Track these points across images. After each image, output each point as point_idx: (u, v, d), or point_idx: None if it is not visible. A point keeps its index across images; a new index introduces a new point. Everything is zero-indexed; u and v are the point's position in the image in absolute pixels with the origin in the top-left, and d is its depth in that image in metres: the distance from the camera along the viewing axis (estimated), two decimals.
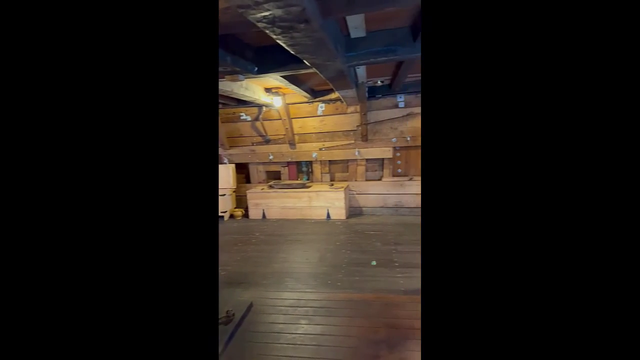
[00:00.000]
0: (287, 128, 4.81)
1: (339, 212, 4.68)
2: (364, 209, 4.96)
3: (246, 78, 2.39)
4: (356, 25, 1.81)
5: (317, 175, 5.16)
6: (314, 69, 1.93)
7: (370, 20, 1.79)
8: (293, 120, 4.82)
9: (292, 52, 1.42)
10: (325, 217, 4.72)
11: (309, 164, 5.17)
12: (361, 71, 3.09)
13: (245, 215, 5.14)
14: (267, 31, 1.10)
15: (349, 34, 1.99)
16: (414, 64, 2.74)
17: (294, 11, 0.94)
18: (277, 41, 1.24)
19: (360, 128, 4.63)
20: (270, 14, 0.95)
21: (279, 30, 1.10)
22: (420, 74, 3.78)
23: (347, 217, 4.74)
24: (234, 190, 5.18)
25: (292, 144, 5.00)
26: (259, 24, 1.02)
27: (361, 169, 4.91)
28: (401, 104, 4.40)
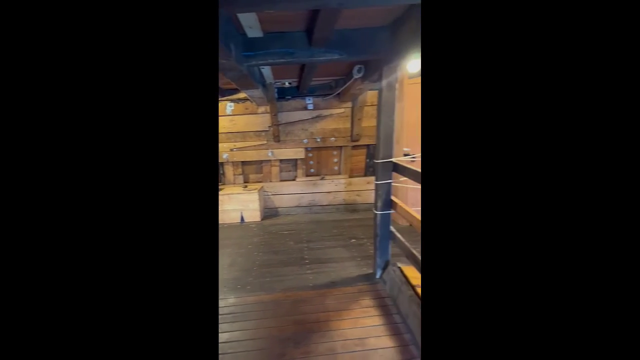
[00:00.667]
0: None
1: (253, 214, 4.59)
2: (279, 209, 4.97)
3: None
4: (250, 24, 1.79)
5: (230, 177, 4.96)
6: None
7: (264, 20, 1.80)
8: None
9: None
10: (239, 220, 4.58)
11: (220, 165, 4.94)
12: (267, 72, 3.09)
13: None
14: None
15: (245, 34, 1.96)
16: (316, 67, 2.86)
17: None
18: None
19: (272, 129, 4.63)
20: None
21: None
22: (325, 78, 3.97)
23: (262, 219, 4.68)
24: None
25: None
26: None
27: (275, 170, 4.91)
28: (310, 106, 4.55)
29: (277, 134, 4.63)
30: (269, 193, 4.93)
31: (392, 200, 2.57)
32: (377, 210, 2.64)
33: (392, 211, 2.61)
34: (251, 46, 2.06)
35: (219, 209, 4.53)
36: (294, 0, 1.20)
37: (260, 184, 4.86)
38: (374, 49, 2.12)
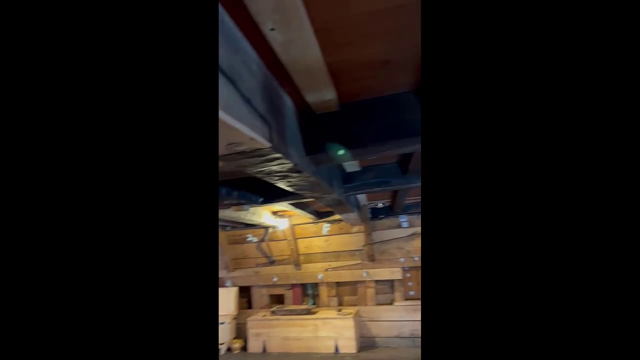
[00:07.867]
0: (292, 248, 4.82)
1: (348, 343, 4.16)
2: (376, 339, 4.42)
3: (251, 207, 2.57)
4: (351, 163, 2.04)
5: (324, 299, 4.83)
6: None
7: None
8: (298, 240, 4.86)
9: (290, 190, 1.57)
10: (333, 350, 4.18)
11: (315, 286, 4.92)
12: (361, 196, 3.30)
13: (244, 347, 4.60)
14: (265, 179, 1.25)
15: (344, 169, 2.23)
16: (409, 191, 2.94)
17: (287, 166, 1.09)
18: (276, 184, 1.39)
19: (366, 248, 4.60)
20: (266, 169, 1.10)
21: (276, 178, 1.26)
22: (419, 197, 3.99)
23: (358, 351, 4.18)
24: (234, 317, 4.80)
25: (297, 264, 4.90)
26: (257, 175, 1.18)
27: (371, 292, 4.62)
28: (404, 224, 4.49)
29: (371, 253, 4.56)
30: (365, 319, 4.52)
31: None
32: None
33: None
34: (350, 179, 2.29)
35: (314, 335, 4.28)
36: (389, 148, 1.35)
37: (356, 308, 4.55)
38: None
